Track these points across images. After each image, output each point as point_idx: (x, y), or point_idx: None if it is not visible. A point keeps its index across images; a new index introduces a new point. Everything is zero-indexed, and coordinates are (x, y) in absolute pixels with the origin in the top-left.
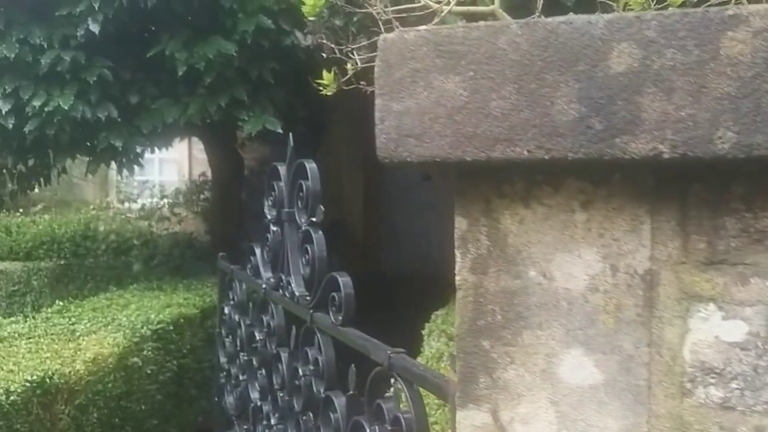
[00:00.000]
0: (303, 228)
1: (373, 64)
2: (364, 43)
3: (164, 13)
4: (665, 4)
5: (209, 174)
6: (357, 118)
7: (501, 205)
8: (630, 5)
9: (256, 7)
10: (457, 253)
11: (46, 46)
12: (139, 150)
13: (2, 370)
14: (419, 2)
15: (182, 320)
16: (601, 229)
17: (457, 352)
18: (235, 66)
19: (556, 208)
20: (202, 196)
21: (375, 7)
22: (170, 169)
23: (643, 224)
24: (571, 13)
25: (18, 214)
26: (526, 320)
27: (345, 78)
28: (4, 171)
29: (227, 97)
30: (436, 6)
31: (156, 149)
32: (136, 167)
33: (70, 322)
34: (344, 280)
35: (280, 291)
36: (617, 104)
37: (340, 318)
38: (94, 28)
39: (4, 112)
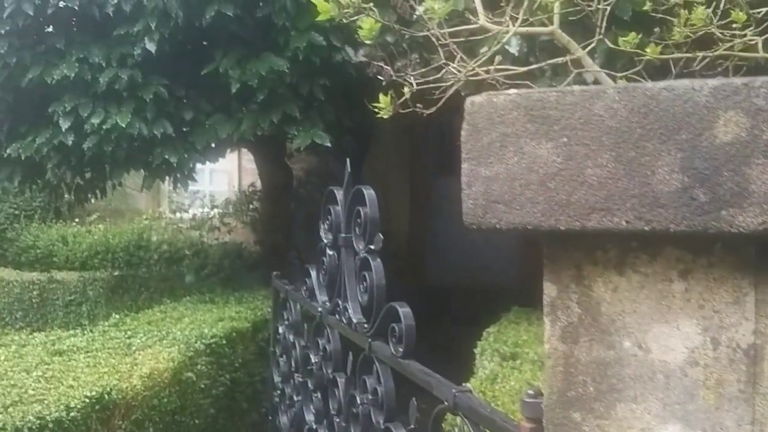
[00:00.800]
0: (361, 255)
1: (429, 86)
2: (416, 58)
3: (218, 31)
4: (728, 20)
5: (258, 184)
6: (403, 128)
7: (593, 272)
8: (692, 21)
9: (309, 25)
10: (546, 321)
11: (104, 65)
12: (192, 165)
13: (62, 385)
14: (475, 24)
15: (234, 334)
16: (701, 300)
17: (546, 423)
18: (287, 82)
19: (653, 276)
20: (251, 206)
21: (431, 31)
22: (220, 179)
23: (747, 296)
24: (632, 33)
25: (74, 223)
26: (620, 393)
27: (401, 100)
28: (63, 184)
29: (279, 113)
30: (495, 28)
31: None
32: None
33: (126, 336)
34: (404, 311)
35: (337, 316)
36: (723, 175)
37: (401, 350)
38: (151, 47)
39: (64, 129)
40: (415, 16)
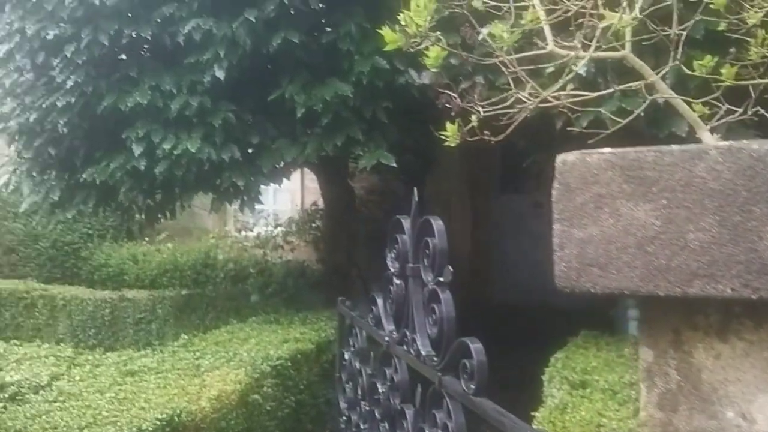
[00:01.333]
0: (429, 286)
1: (496, 112)
2: (480, 80)
3: (284, 58)
4: None
5: (320, 203)
6: (465, 146)
7: (693, 338)
8: None
9: (372, 49)
10: (642, 387)
11: (175, 92)
12: (258, 188)
13: (134, 407)
14: (545, 49)
15: (299, 356)
16: None
17: None
18: (351, 105)
19: (758, 344)
20: (313, 225)
21: (500, 57)
22: (284, 198)
23: None
24: (708, 56)
25: (144, 242)
26: None
27: (468, 126)
28: (134, 206)
29: (343, 136)
30: (564, 53)
31: None
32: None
33: (195, 357)
34: (476, 347)
35: (405, 347)
36: None
37: (473, 387)
38: (220, 74)
39: (137, 155)
40: (480, 39)
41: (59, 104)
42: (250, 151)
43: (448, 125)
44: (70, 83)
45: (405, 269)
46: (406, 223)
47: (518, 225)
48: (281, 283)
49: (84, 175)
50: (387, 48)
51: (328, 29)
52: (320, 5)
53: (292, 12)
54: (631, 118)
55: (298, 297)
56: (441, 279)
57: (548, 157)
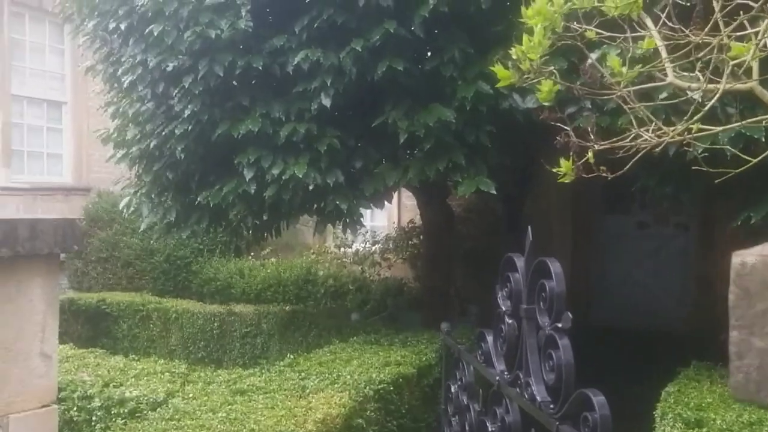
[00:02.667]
0: (546, 331)
1: (611, 142)
2: (587, 104)
3: (388, 84)
4: None
5: (417, 220)
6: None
7: None
8: None
9: (476, 74)
10: None
11: (284, 119)
12: (360, 211)
13: (245, 428)
14: (664, 81)
15: (401, 380)
16: None
17: None
18: (453, 130)
19: None
20: (410, 242)
21: (617, 91)
22: (381, 214)
23: None
24: None
25: (250, 257)
26: None
27: (582, 160)
28: (243, 225)
29: (445, 160)
30: (685, 85)
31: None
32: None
33: (300, 378)
34: (599, 399)
35: (517, 389)
36: None
37: None
38: (326, 102)
39: (247, 179)
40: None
41: (177, 132)
42: (353, 174)
43: (563, 161)
44: (187, 112)
45: (518, 310)
46: (519, 262)
47: (621, 246)
48: (379, 300)
49: (199, 198)
50: (499, 85)
51: (432, 55)
52: (424, 32)
53: (397, 40)
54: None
55: (397, 316)
56: (559, 325)
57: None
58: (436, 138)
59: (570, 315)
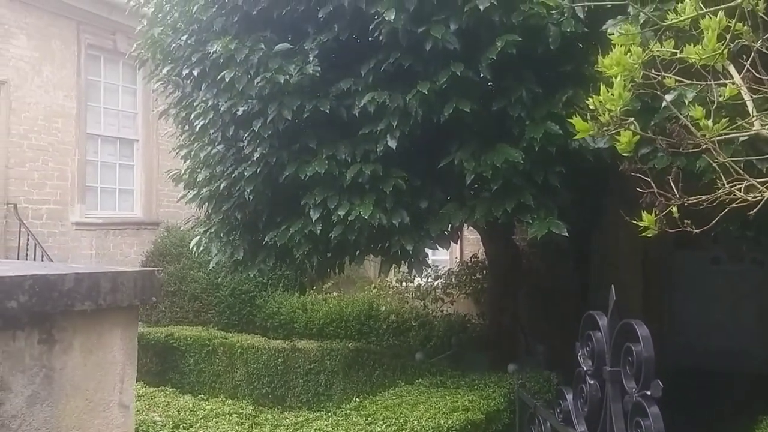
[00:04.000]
0: (634, 398)
1: (697, 199)
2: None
3: (454, 125)
4: None
5: (480, 254)
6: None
7: None
8: None
9: (544, 114)
10: None
11: (350, 161)
12: (426, 251)
13: None
14: (751, 129)
15: (470, 426)
16: None
17: None
18: (521, 170)
19: None
20: (473, 277)
21: (701, 141)
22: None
23: None
24: None
25: (312, 291)
26: None
27: (664, 212)
28: (306, 262)
29: (513, 201)
30: None
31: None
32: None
33: (367, 422)
34: None
35: None
36: None
37: None
38: (392, 144)
39: (314, 220)
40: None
41: (246, 173)
42: (418, 215)
43: (645, 215)
44: (256, 155)
45: (601, 371)
46: (602, 321)
47: (694, 282)
48: (442, 337)
49: (266, 238)
50: (578, 137)
51: (499, 95)
52: (491, 73)
53: (464, 82)
54: None
55: (462, 356)
56: (648, 392)
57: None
58: (504, 178)
59: (660, 383)
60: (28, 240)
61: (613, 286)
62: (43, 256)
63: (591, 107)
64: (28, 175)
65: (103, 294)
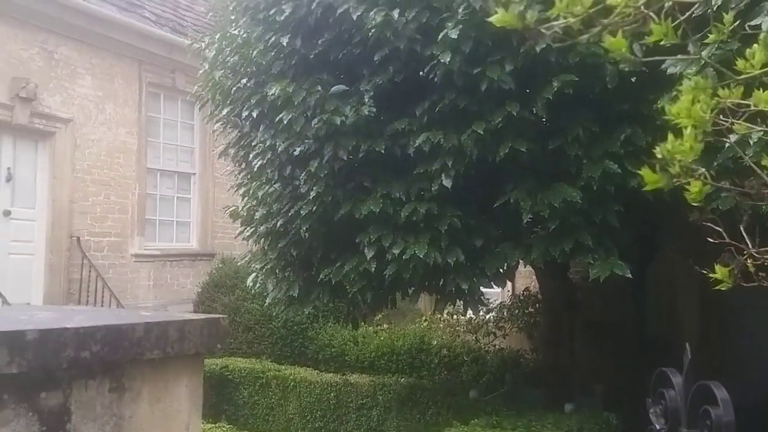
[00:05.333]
0: None
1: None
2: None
3: (510, 164)
4: None
5: (533, 287)
6: (691, 231)
7: None
8: None
9: (601, 153)
10: None
11: (404, 199)
12: (482, 290)
13: None
14: None
15: None
16: None
17: None
18: (578, 209)
19: None
20: (526, 311)
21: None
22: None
23: None
24: None
25: (362, 323)
26: None
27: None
28: (360, 297)
29: (571, 241)
30: None
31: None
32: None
33: None
34: None
35: None
36: None
37: None
38: (447, 183)
39: (368, 258)
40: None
41: (303, 212)
42: (473, 253)
43: (718, 268)
44: (312, 194)
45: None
46: (676, 378)
47: (756, 317)
48: (495, 373)
49: (321, 275)
50: (648, 188)
51: (555, 134)
52: (547, 113)
53: (519, 121)
54: None
55: (516, 393)
56: None
57: None
58: (562, 218)
59: None
60: (90, 272)
61: (687, 345)
62: (104, 288)
63: (659, 156)
64: (91, 209)
65: (170, 343)
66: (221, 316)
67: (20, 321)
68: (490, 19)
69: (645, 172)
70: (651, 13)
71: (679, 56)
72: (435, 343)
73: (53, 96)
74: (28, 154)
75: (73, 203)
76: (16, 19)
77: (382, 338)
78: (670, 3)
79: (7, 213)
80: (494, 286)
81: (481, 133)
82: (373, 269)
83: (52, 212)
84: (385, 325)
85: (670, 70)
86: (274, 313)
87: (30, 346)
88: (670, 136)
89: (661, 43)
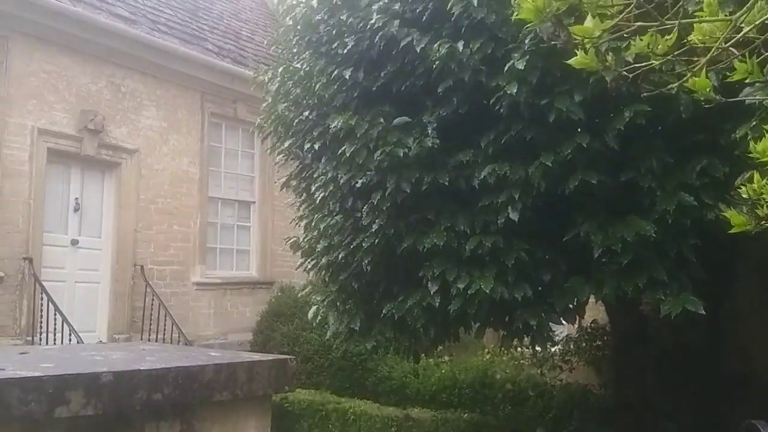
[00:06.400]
0: None
1: None
2: None
3: (579, 196)
4: None
5: (601, 319)
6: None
7: None
8: None
9: (676, 185)
10: None
11: (469, 232)
12: (550, 326)
13: None
14: None
15: None
16: None
17: None
18: (652, 243)
19: None
20: (594, 344)
21: None
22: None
23: None
24: None
25: (423, 355)
26: None
27: None
28: (422, 331)
29: (644, 276)
30: None
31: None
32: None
33: None
34: None
35: None
36: None
37: None
38: (514, 216)
39: (432, 292)
40: None
41: (364, 244)
42: (541, 288)
43: None
44: (375, 226)
45: None
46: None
47: None
48: (563, 409)
49: (383, 310)
50: (734, 231)
51: (627, 165)
52: (618, 143)
53: (589, 152)
54: None
55: (584, 431)
56: None
57: None
58: (634, 252)
59: None
60: (153, 300)
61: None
62: (166, 316)
63: (744, 196)
64: (154, 238)
65: (239, 384)
66: (289, 357)
67: (95, 362)
68: (569, 62)
69: (731, 214)
70: (734, 50)
71: (757, 84)
72: (499, 376)
73: (120, 127)
74: (95, 185)
75: (137, 232)
76: (86, 53)
77: (443, 371)
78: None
79: (74, 242)
80: (563, 322)
81: (550, 164)
82: (437, 304)
83: (117, 241)
84: (447, 357)
85: (748, 100)
86: (334, 344)
87: (105, 389)
88: (756, 176)
89: (746, 80)
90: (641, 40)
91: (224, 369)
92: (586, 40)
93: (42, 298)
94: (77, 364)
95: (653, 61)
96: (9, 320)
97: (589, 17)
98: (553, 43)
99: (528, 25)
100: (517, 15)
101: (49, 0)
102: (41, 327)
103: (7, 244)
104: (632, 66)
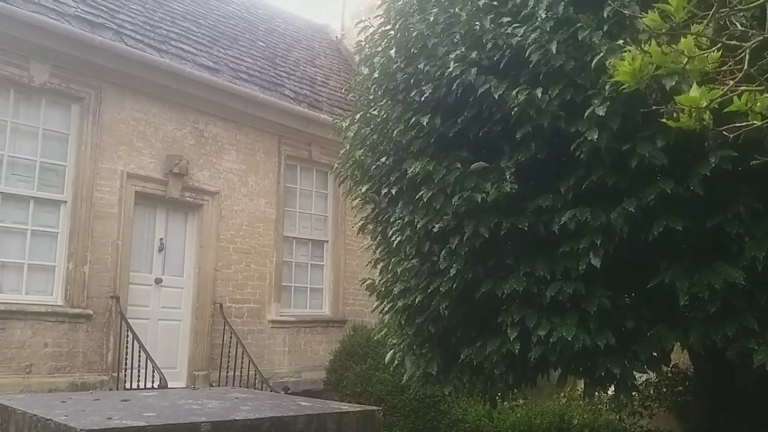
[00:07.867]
0: None
1: None
2: None
3: (663, 242)
4: None
5: (681, 364)
6: None
7: None
8: None
9: (765, 231)
10: None
11: (549, 278)
12: (636, 375)
13: None
14: None
15: None
16: None
17: None
18: (741, 290)
19: None
20: (675, 390)
21: None
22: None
23: None
24: None
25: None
26: None
27: None
28: (500, 378)
29: (734, 325)
30: None
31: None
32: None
33: None
34: None
35: None
36: None
37: None
38: (596, 262)
39: (511, 339)
40: None
41: (441, 289)
42: (625, 335)
43: None
44: (452, 271)
45: None
46: None
47: None
48: None
49: (461, 355)
50: None
51: (713, 211)
52: (704, 189)
53: (673, 198)
54: None
55: None
56: None
57: None
58: (723, 300)
59: None
60: (231, 337)
61: None
62: (243, 354)
63: None
64: (233, 277)
65: None
66: (376, 408)
67: (193, 411)
68: (669, 123)
69: None
70: None
71: None
72: (576, 422)
73: (202, 171)
74: (178, 226)
75: (216, 271)
76: (173, 101)
77: (518, 415)
78: None
79: (158, 281)
80: (648, 371)
81: (633, 210)
82: (517, 351)
83: (198, 280)
84: (521, 401)
85: None
86: (407, 385)
87: None
88: None
89: None
90: (738, 99)
91: (315, 420)
92: (693, 110)
93: (127, 336)
94: (177, 413)
95: (754, 122)
96: (96, 356)
97: (695, 86)
98: (654, 108)
99: (623, 87)
100: (614, 78)
101: (139, 53)
102: (126, 363)
103: (97, 284)
104: (732, 125)
